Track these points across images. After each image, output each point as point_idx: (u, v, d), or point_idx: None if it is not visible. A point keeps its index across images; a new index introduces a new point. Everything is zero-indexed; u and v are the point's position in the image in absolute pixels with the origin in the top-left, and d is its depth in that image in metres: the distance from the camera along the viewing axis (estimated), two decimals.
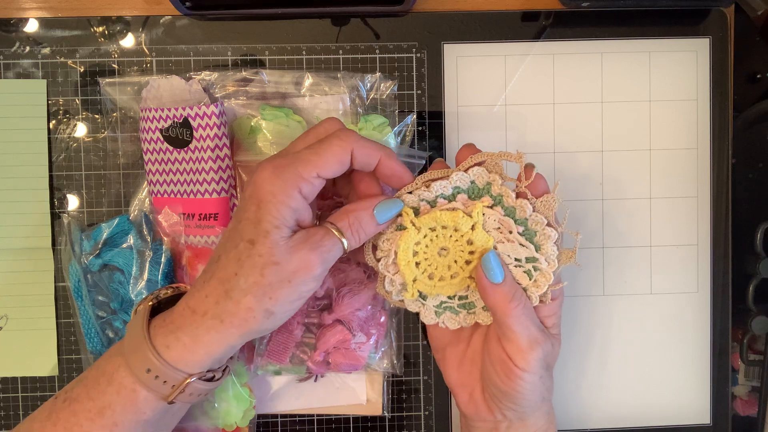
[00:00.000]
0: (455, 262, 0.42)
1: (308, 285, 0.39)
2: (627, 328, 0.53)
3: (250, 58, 0.50)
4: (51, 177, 0.51)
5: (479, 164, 0.41)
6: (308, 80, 0.50)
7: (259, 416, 0.51)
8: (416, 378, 0.52)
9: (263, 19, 0.50)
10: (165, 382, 0.39)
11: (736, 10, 0.52)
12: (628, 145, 0.52)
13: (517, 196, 0.41)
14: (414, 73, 0.51)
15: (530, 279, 0.42)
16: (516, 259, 0.42)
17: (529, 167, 0.41)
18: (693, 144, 0.52)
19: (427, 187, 0.41)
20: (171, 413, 0.42)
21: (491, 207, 0.41)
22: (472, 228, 0.41)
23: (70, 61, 0.50)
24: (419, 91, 0.51)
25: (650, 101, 0.52)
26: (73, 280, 0.49)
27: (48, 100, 0.50)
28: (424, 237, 0.42)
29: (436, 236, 0.42)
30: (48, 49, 0.50)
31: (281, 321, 0.40)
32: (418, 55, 0.51)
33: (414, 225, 0.41)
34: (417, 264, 0.42)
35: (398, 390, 0.52)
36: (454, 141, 0.51)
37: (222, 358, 0.40)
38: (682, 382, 0.53)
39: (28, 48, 0.50)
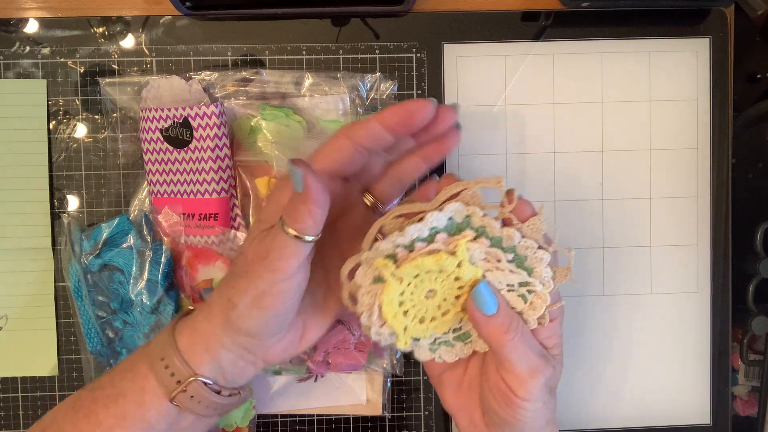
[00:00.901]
0: (444, 300, 0.39)
1: (265, 279, 0.37)
2: (627, 328, 0.53)
3: (250, 58, 0.50)
4: (51, 177, 0.51)
5: (455, 196, 0.38)
6: (308, 80, 0.50)
7: (259, 416, 0.51)
8: (416, 378, 0.52)
9: (263, 19, 0.50)
10: (173, 374, 0.39)
11: (736, 10, 0.52)
12: (628, 145, 0.52)
13: (503, 223, 0.38)
14: (414, 73, 0.51)
15: (525, 302, 0.39)
16: (508, 285, 0.39)
17: (510, 192, 0.38)
18: (693, 144, 0.52)
19: (401, 229, 0.37)
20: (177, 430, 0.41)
21: (475, 239, 0.38)
22: (458, 265, 0.38)
23: (70, 61, 0.50)
24: (419, 91, 0.51)
25: (650, 101, 0.52)
26: (73, 280, 0.49)
27: (48, 100, 0.50)
28: (408, 285, 0.38)
29: (421, 281, 0.38)
30: (48, 49, 0.50)
31: (253, 319, 0.38)
32: (418, 55, 0.51)
33: (395, 277, 0.37)
34: (405, 312, 0.39)
35: (398, 390, 0.52)
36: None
37: (222, 364, 0.40)
38: (682, 382, 0.53)
39: (28, 48, 0.50)
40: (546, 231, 0.39)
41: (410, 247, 0.38)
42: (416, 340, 0.41)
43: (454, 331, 0.41)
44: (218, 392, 0.40)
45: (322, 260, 0.41)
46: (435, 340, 0.41)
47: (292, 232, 0.35)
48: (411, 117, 0.38)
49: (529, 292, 0.39)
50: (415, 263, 0.37)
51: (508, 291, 0.39)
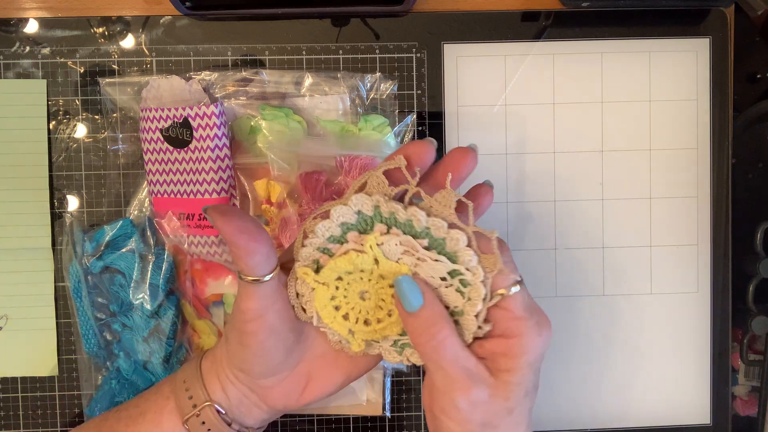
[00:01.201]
0: (383, 300, 0.37)
1: (237, 319, 0.37)
2: (627, 328, 0.53)
3: (250, 58, 0.50)
4: (51, 177, 0.51)
5: (363, 188, 0.36)
6: (308, 80, 0.50)
7: None
8: (416, 378, 0.52)
9: (263, 19, 0.50)
10: (191, 397, 0.39)
11: (736, 10, 0.52)
12: (628, 145, 0.52)
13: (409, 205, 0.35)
14: (414, 73, 0.51)
15: (464, 298, 0.35)
16: (441, 278, 0.35)
17: (408, 167, 0.35)
18: (693, 144, 0.52)
19: (313, 230, 0.36)
20: None
21: (388, 231, 0.35)
22: (376, 262, 0.36)
23: (70, 62, 0.50)
24: (419, 91, 0.51)
25: (650, 101, 0.52)
26: (73, 280, 0.49)
27: (48, 101, 0.50)
28: (336, 289, 0.37)
29: (348, 284, 0.37)
30: (48, 49, 0.50)
31: (239, 354, 0.38)
32: (418, 55, 0.51)
33: (319, 283, 0.37)
34: (345, 316, 0.38)
35: (398, 390, 0.52)
36: (454, 141, 0.51)
37: (229, 396, 0.39)
38: (682, 382, 0.53)
39: (28, 48, 0.50)
40: (469, 212, 0.35)
41: (328, 252, 0.37)
42: (375, 342, 0.39)
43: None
44: (229, 424, 0.40)
45: None
46: (395, 342, 0.39)
47: (242, 275, 0.35)
48: (413, 162, 0.36)
49: (463, 283, 0.35)
50: (330, 266, 0.36)
51: (446, 287, 0.36)
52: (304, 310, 0.39)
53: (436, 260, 0.35)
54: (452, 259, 0.35)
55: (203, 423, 0.39)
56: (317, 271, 0.37)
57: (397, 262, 0.36)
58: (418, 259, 0.35)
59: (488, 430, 0.35)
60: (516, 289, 0.34)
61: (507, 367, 0.34)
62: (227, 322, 0.39)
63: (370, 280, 0.37)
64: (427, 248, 0.35)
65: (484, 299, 0.35)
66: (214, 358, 0.40)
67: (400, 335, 0.38)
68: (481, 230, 0.35)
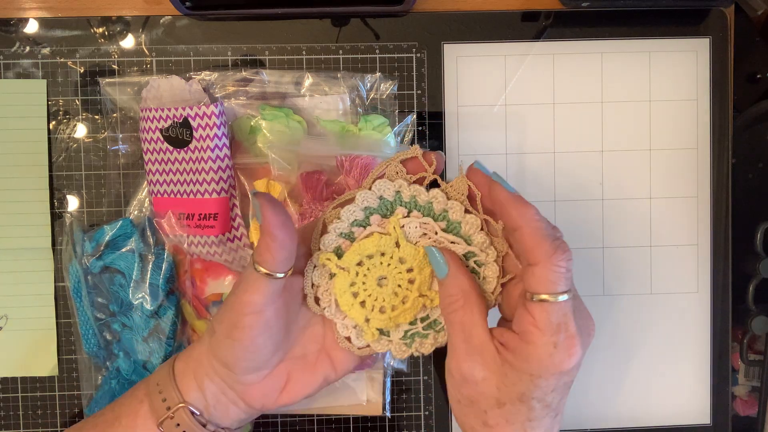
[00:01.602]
0: (399, 286, 0.39)
1: (234, 311, 0.37)
2: (627, 328, 0.53)
3: (250, 58, 0.50)
4: (51, 177, 0.51)
5: (382, 176, 0.39)
6: (308, 80, 0.50)
7: (259, 416, 0.51)
8: (416, 378, 0.52)
9: (263, 19, 0.50)
10: (164, 399, 0.39)
11: (736, 10, 0.52)
12: (628, 145, 0.52)
13: (429, 188, 0.38)
14: (414, 73, 0.51)
15: (479, 277, 0.38)
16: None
17: (426, 154, 0.38)
18: (693, 144, 0.52)
19: (338, 216, 0.39)
20: None
21: (408, 215, 0.38)
22: (397, 245, 0.38)
23: (70, 61, 0.50)
24: (419, 91, 0.51)
25: (650, 101, 0.52)
26: (72, 280, 0.49)
27: (48, 100, 0.50)
28: (357, 275, 0.39)
29: (368, 269, 0.39)
30: (48, 49, 0.50)
31: (226, 348, 0.38)
32: (418, 55, 0.51)
33: (341, 268, 0.39)
34: (363, 303, 0.39)
35: (398, 390, 0.52)
36: (454, 141, 0.51)
37: (206, 394, 0.39)
38: (682, 382, 0.53)
39: (28, 48, 0.50)
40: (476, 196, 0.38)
41: (350, 236, 0.39)
42: (385, 334, 0.40)
43: (422, 320, 0.40)
44: (204, 425, 0.39)
45: (323, 318, 0.41)
46: (406, 333, 0.40)
47: (259, 267, 0.36)
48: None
49: (477, 264, 0.38)
50: (354, 249, 0.38)
51: None
52: (317, 301, 0.40)
53: (453, 242, 0.38)
54: (468, 241, 0.38)
55: (177, 425, 0.39)
56: (339, 257, 0.39)
57: (415, 245, 0.38)
58: (435, 241, 0.38)
59: (476, 409, 0.36)
60: (553, 300, 0.33)
61: (510, 361, 0.35)
62: (216, 316, 0.39)
63: (389, 264, 0.39)
64: (444, 230, 0.38)
65: (498, 278, 0.38)
66: (189, 358, 0.40)
67: (411, 324, 0.40)
68: (490, 219, 0.38)
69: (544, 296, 0.33)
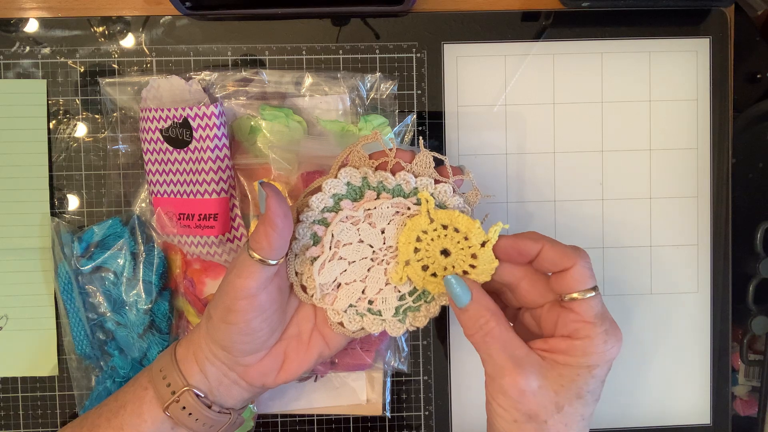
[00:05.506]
0: (453, 267, 0.40)
1: (228, 295, 0.38)
2: (627, 328, 0.53)
3: (250, 58, 0.50)
4: (51, 177, 0.51)
5: (345, 163, 0.41)
6: (308, 80, 0.50)
7: (259, 416, 0.51)
8: (416, 378, 0.52)
9: (263, 19, 0.50)
10: (169, 384, 0.40)
11: (736, 10, 0.52)
12: (628, 145, 0.52)
13: (393, 172, 0.40)
14: (414, 73, 0.51)
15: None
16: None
17: (381, 138, 0.40)
18: (693, 144, 0.52)
19: (308, 205, 0.40)
20: None
21: (378, 197, 0.40)
22: (483, 245, 0.39)
23: (70, 61, 0.50)
24: (419, 91, 0.51)
25: (650, 101, 0.52)
26: (62, 282, 0.49)
27: (48, 100, 0.50)
28: (435, 231, 0.40)
29: (445, 235, 0.40)
30: (48, 49, 0.50)
31: (222, 332, 0.39)
32: (418, 55, 0.51)
33: (429, 214, 0.39)
34: (416, 250, 0.40)
35: (398, 390, 0.52)
36: (454, 141, 0.51)
37: (208, 377, 0.40)
38: (682, 382, 0.53)
39: (28, 48, 0.50)
40: (446, 168, 0.40)
41: (324, 222, 0.41)
42: (378, 314, 0.41)
43: (411, 294, 0.42)
44: (209, 407, 0.40)
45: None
46: (397, 309, 0.42)
47: (253, 253, 0.37)
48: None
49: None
50: (451, 214, 0.39)
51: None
52: (304, 289, 0.41)
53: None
54: (442, 206, 0.40)
55: (183, 408, 0.40)
56: (315, 243, 0.41)
57: (389, 224, 0.40)
58: (410, 217, 0.40)
59: (535, 424, 0.36)
60: (591, 294, 0.36)
61: (564, 362, 0.36)
62: (211, 301, 0.40)
63: (440, 236, 0.39)
64: (416, 204, 0.40)
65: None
66: (189, 343, 0.41)
67: (400, 300, 0.41)
68: (456, 167, 0.40)
69: (578, 295, 0.36)
